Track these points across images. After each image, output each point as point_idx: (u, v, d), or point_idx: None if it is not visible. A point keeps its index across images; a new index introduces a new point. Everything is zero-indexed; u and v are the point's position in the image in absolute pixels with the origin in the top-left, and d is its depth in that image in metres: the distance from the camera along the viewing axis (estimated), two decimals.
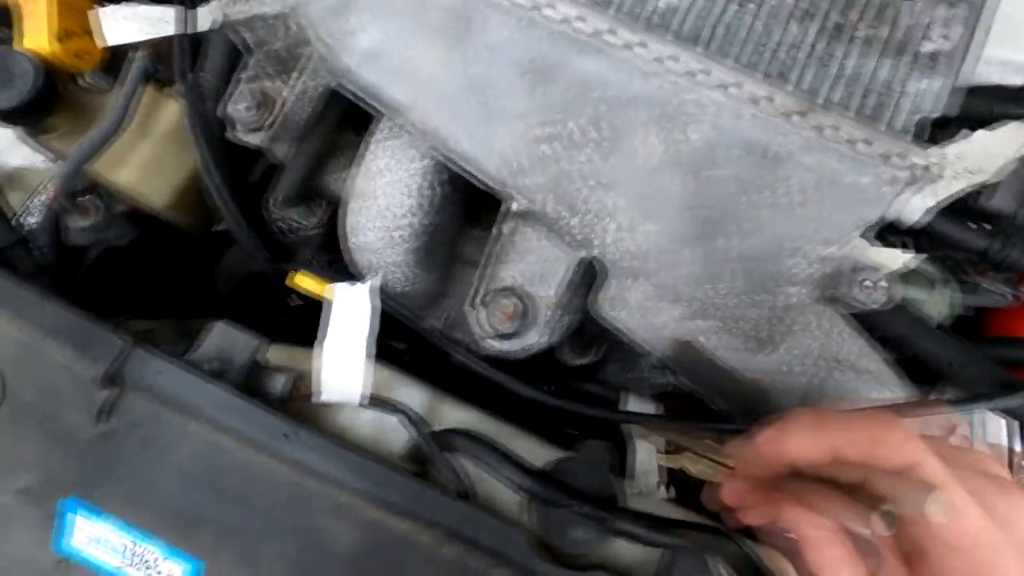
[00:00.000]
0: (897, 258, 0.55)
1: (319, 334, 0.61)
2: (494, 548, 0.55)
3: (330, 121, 0.71)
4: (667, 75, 0.45)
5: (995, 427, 0.59)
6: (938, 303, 0.66)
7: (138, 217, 0.86)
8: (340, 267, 0.90)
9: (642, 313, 0.57)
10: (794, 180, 0.46)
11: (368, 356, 0.60)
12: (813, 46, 0.45)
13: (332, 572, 0.56)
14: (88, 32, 0.76)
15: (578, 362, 0.82)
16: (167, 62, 0.82)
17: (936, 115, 0.46)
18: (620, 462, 0.68)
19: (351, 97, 0.59)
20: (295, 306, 1.16)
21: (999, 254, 0.59)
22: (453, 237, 0.79)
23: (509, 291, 0.62)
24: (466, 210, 0.75)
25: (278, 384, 0.60)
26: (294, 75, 0.60)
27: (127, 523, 0.58)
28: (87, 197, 0.77)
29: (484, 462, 0.59)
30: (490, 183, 0.56)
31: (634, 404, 0.77)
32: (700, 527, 0.61)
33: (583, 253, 0.57)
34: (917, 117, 0.45)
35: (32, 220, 0.89)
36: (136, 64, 0.74)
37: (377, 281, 0.62)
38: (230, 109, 0.64)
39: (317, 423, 0.65)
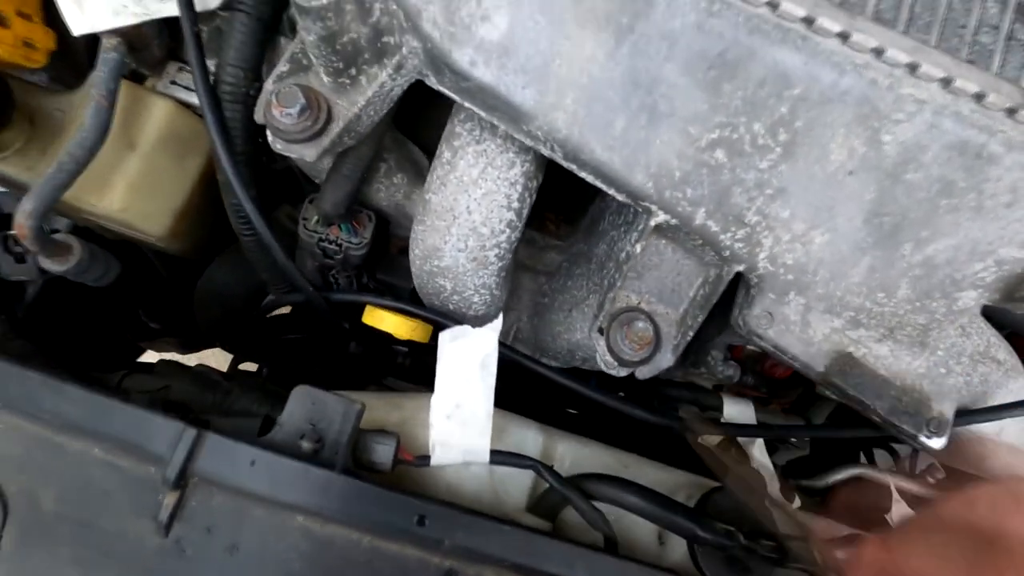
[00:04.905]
0: None
1: (435, 387, 0.50)
2: None
3: (386, 122, 0.58)
4: (882, 69, 0.39)
5: None
6: None
7: (123, 248, 0.69)
8: (375, 286, 0.79)
9: (797, 328, 0.52)
10: (1005, 181, 0.42)
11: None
12: (1013, 24, 0.40)
13: None
14: (33, 17, 0.57)
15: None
16: (141, 53, 0.65)
17: None
18: None
19: (451, 96, 0.47)
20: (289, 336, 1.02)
21: None
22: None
23: (636, 312, 0.55)
24: None
25: (385, 453, 0.50)
26: (374, 70, 0.48)
27: None
28: (63, 234, 0.60)
29: (636, 508, 0.53)
30: (630, 195, 0.48)
31: (732, 404, 0.73)
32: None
33: (732, 268, 0.51)
34: None
35: None
36: (111, 56, 0.57)
37: (499, 323, 0.53)
38: (275, 114, 0.50)
39: (422, 488, 0.56)
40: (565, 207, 0.82)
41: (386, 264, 0.78)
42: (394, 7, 0.42)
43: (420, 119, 0.68)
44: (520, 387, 0.78)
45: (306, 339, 1.01)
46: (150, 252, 0.82)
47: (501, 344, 0.68)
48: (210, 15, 0.59)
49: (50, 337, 0.82)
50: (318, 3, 0.41)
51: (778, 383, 0.87)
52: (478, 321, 0.65)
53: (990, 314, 0.55)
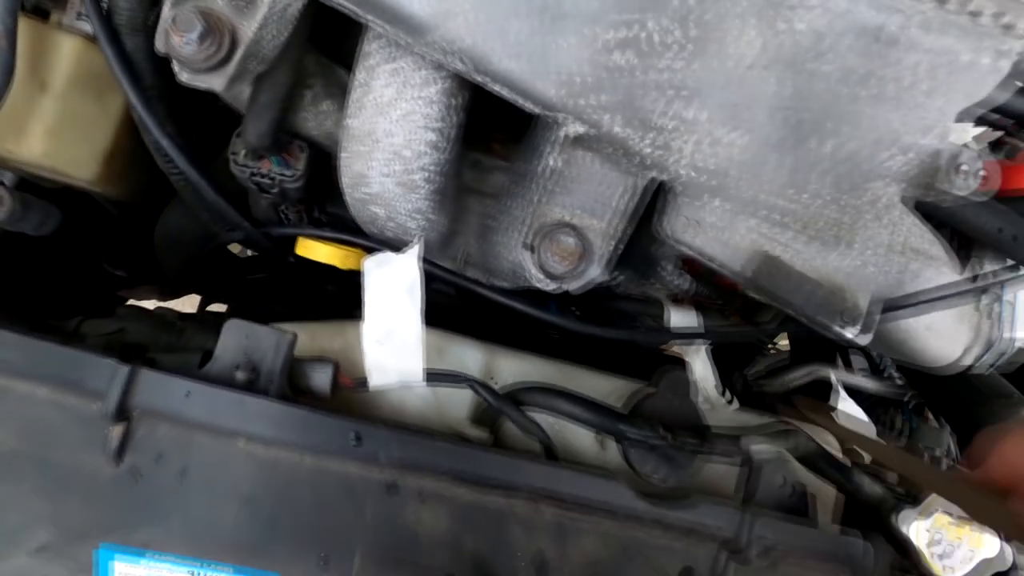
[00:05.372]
0: (972, 130, 0.52)
1: (364, 314, 0.52)
2: (597, 501, 0.53)
3: (298, 45, 0.56)
4: None
5: None
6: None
7: (59, 195, 0.69)
8: (327, 219, 0.79)
9: (717, 232, 0.52)
10: (905, 65, 0.41)
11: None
12: None
13: (431, 559, 0.53)
14: None
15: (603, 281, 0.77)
16: None
17: None
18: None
19: (350, 9, 0.45)
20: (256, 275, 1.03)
21: None
22: (459, 167, 0.69)
23: (563, 226, 0.55)
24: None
25: (322, 379, 0.52)
26: None
27: (183, 557, 0.51)
28: None
29: (569, 414, 0.56)
30: (541, 107, 0.47)
31: (677, 312, 0.75)
32: (775, 431, 0.62)
33: (651, 175, 0.50)
34: None
35: None
36: None
37: (419, 247, 0.53)
38: (175, 42, 0.48)
39: (367, 410, 0.59)
40: (512, 127, 0.81)
41: (335, 196, 0.77)
42: None
43: (346, 40, 0.65)
44: (473, 309, 0.80)
45: (272, 277, 1.02)
46: (101, 200, 0.82)
47: (448, 271, 0.69)
48: None
49: (9, 286, 0.82)
50: None
51: (731, 292, 0.88)
52: None
53: (918, 205, 0.55)
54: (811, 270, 0.54)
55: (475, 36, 0.42)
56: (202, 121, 0.69)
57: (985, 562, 0.56)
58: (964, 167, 0.47)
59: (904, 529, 0.58)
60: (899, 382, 1.03)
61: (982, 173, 0.47)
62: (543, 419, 0.59)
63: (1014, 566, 0.59)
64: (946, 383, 0.81)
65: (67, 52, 0.60)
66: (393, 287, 0.51)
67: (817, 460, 0.62)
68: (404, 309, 0.51)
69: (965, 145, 0.48)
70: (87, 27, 0.63)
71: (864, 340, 0.55)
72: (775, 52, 0.41)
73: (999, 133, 0.53)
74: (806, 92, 0.43)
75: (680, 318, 0.71)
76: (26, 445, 0.50)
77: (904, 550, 0.60)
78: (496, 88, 0.47)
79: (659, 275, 0.79)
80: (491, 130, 0.77)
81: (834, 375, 0.83)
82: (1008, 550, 0.58)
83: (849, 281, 0.55)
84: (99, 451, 0.49)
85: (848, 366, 1.16)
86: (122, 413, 0.47)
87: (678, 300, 0.92)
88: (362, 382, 0.54)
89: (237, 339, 0.50)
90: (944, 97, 0.43)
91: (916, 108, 0.44)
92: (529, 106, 0.47)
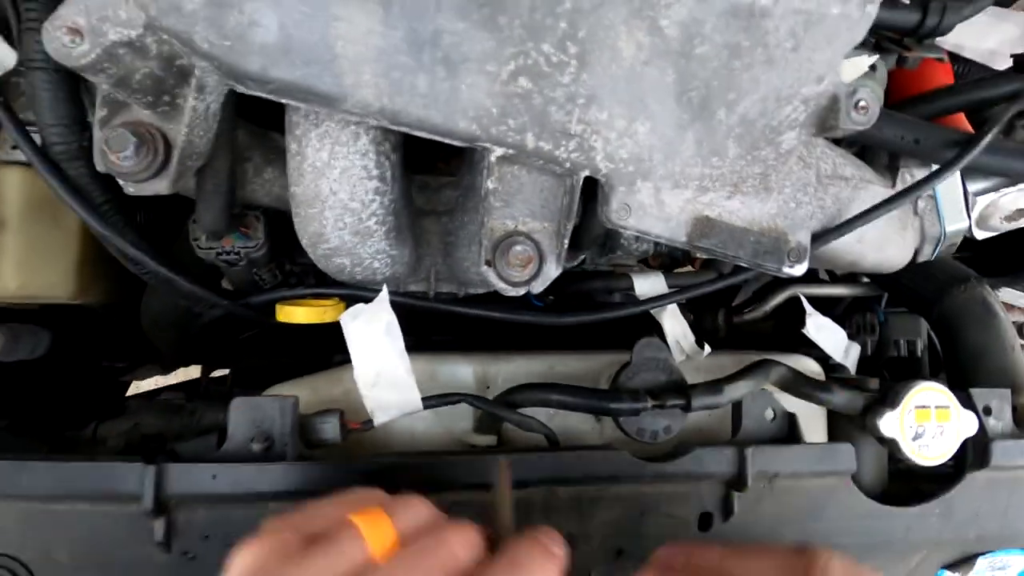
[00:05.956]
0: (864, 61, 0.56)
1: (353, 362, 0.56)
2: (604, 474, 0.58)
3: (229, 129, 0.59)
4: None
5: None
6: (878, 84, 0.70)
7: (44, 312, 0.72)
8: (299, 270, 0.82)
9: (653, 210, 0.56)
10: (783, 28, 0.44)
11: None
12: None
13: None
14: None
15: (570, 266, 0.82)
16: None
17: None
18: None
19: (266, 97, 0.48)
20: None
21: (931, 25, 0.61)
22: (408, 196, 0.73)
23: (514, 236, 0.59)
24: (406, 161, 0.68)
25: (331, 429, 0.56)
26: (185, 91, 0.48)
27: None
28: None
29: (559, 404, 0.60)
30: (463, 141, 0.50)
31: (642, 280, 0.79)
32: (750, 368, 0.67)
33: (579, 174, 0.54)
34: None
35: None
36: None
37: (385, 294, 0.57)
38: (112, 162, 0.51)
39: (381, 443, 0.63)
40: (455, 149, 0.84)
41: (301, 248, 0.81)
42: (165, 36, 0.42)
43: (273, 103, 0.68)
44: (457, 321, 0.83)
45: (263, 335, 1.06)
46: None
47: (421, 298, 0.73)
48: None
49: (19, 408, 0.86)
50: (85, 60, 0.41)
51: None
52: (389, 281, 0.70)
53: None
54: (750, 223, 0.59)
55: (384, 99, 0.46)
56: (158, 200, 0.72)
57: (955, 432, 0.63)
58: (862, 103, 0.51)
59: (883, 428, 0.63)
60: (866, 280, 1.09)
61: (873, 98, 0.51)
62: (544, 410, 0.64)
63: (981, 427, 0.65)
64: (906, 276, 0.86)
65: (13, 186, 0.63)
66: (371, 333, 0.55)
67: (797, 385, 0.67)
68: (386, 350, 0.56)
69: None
70: (22, 156, 0.65)
71: (800, 271, 0.59)
72: (660, 46, 0.45)
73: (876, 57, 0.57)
74: (697, 74, 0.47)
75: (647, 285, 0.75)
76: (81, 556, 0.54)
77: (892, 447, 0.65)
78: (417, 133, 0.50)
79: (621, 245, 0.83)
80: (433, 151, 0.80)
81: (803, 294, 0.88)
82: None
83: (787, 223, 0.59)
84: (149, 544, 0.53)
85: (821, 279, 1.21)
86: (160, 507, 0.51)
87: (647, 262, 0.97)
88: (368, 422, 0.58)
89: (245, 414, 0.54)
90: (827, 49, 0.47)
91: (805, 63, 0.48)
92: (453, 142, 0.50)
